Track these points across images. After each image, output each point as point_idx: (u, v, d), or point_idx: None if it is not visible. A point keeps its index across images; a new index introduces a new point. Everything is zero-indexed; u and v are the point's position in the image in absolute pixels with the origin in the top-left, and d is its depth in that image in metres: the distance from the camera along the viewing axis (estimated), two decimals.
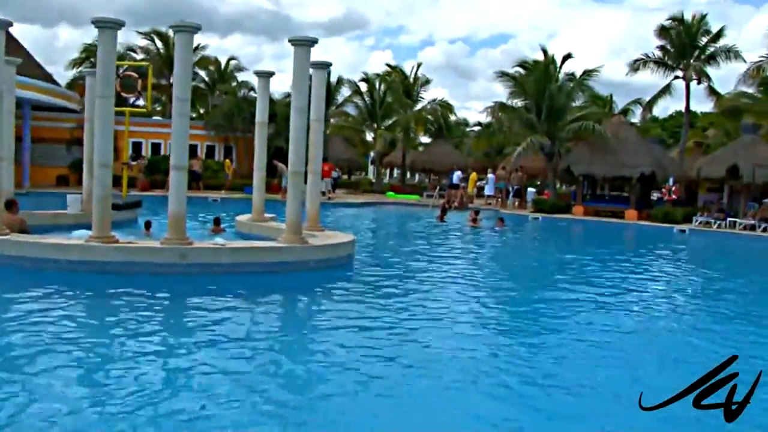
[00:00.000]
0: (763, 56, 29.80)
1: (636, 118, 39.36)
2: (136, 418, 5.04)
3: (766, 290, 14.41)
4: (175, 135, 11.53)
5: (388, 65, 43.22)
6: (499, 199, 34.35)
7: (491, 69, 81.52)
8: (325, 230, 14.68)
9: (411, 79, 42.35)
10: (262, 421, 5.26)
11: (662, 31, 34.10)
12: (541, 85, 31.29)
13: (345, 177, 43.24)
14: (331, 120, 42.25)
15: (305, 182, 13.84)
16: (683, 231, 25.93)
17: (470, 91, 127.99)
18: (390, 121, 40.38)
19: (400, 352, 7.32)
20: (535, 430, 5.52)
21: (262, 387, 5.95)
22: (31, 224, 13.02)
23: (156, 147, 35.59)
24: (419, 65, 43.43)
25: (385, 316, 9.02)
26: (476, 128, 40.71)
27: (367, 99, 40.25)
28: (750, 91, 31.95)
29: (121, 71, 19.22)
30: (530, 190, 34.97)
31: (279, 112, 27.85)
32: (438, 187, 34.98)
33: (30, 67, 28.35)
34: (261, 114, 16.72)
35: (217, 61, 41.71)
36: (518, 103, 33.05)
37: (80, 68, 36.29)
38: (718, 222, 27.01)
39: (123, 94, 18.97)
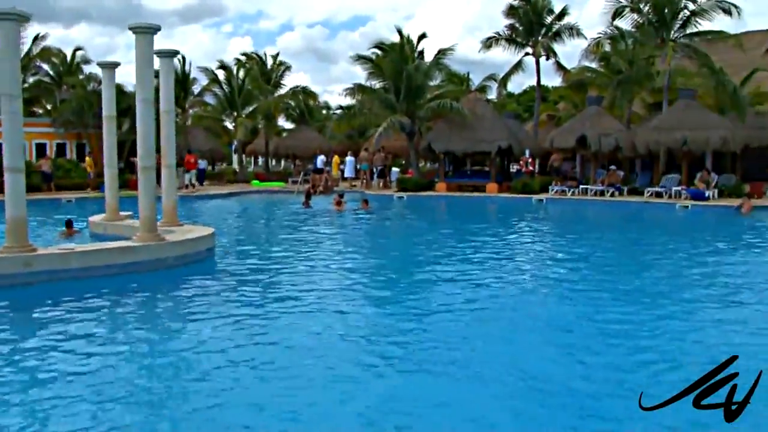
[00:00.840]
0: (600, 33, 31.59)
1: (492, 94, 40.60)
2: None
3: (618, 248, 15.26)
4: (7, 135, 10.62)
5: (245, 54, 42.12)
6: (364, 181, 34.53)
7: (351, 52, 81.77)
8: (184, 225, 14.16)
9: (270, 65, 41.66)
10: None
11: (511, 10, 35.29)
12: (398, 65, 31.60)
13: (209, 168, 41.99)
14: (190, 110, 40.99)
15: (159, 176, 13.26)
16: (541, 200, 27.06)
17: (332, 74, 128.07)
18: (250, 109, 39.54)
19: (265, 345, 7.12)
20: (405, 406, 5.54)
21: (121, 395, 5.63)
22: None
23: None
24: (278, 54, 42.65)
25: (249, 309, 8.72)
26: (338, 111, 40.62)
27: (225, 87, 39.20)
28: (592, 65, 33.70)
29: None
30: (394, 170, 35.37)
31: (134, 105, 26.49)
32: (302, 173, 34.69)
33: None
34: (108, 107, 15.81)
35: (61, 53, 39.23)
36: (377, 84, 33.26)
37: None
38: (572, 190, 28.39)
39: None
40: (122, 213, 15.89)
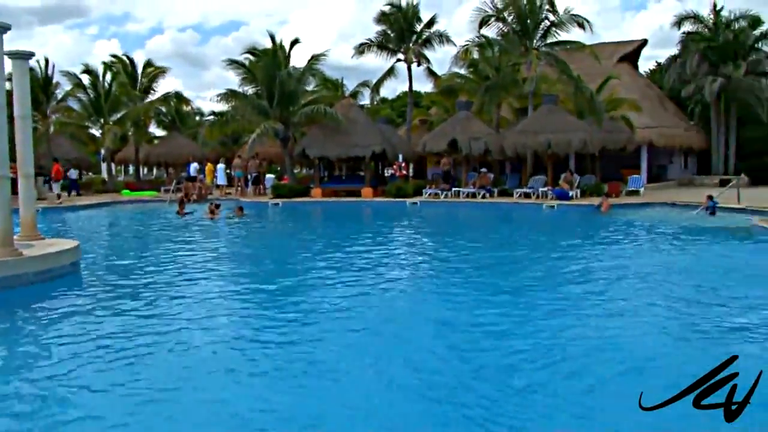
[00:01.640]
0: (468, 40, 32.64)
1: (366, 100, 41.06)
2: None
3: (489, 247, 15.78)
4: None
5: (114, 56, 40.42)
6: (239, 188, 34.03)
7: (224, 57, 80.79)
8: (45, 238, 13.41)
9: (141, 70, 40.18)
10: None
11: (382, 17, 35.77)
12: (271, 71, 31.36)
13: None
14: (52, 116, 38.95)
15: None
16: (415, 203, 27.61)
17: (204, 79, 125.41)
18: (119, 115, 38.06)
19: (138, 362, 6.74)
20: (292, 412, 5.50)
21: None
22: None
23: None
24: (148, 62, 40.98)
25: (117, 326, 8.20)
26: (211, 118, 39.79)
27: (91, 92, 37.54)
28: (462, 72, 34.73)
29: None
30: (269, 176, 35.08)
31: None
32: (175, 181, 33.74)
33: None
34: None
35: None
36: (250, 90, 32.88)
37: None
38: (445, 193, 29.15)
39: None
40: None
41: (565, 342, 7.21)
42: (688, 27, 38.94)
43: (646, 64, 69.75)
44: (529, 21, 30.42)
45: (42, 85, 36.91)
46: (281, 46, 32.71)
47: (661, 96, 40.46)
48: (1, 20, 11.19)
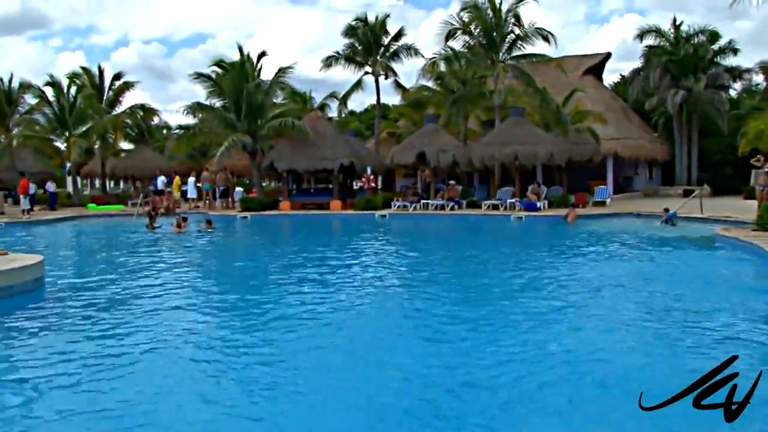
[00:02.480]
0: (435, 53, 32.86)
1: (334, 112, 41.07)
2: None
3: (459, 258, 15.87)
4: None
5: (83, 68, 39.82)
6: (207, 201, 33.81)
7: (191, 70, 79.70)
8: (8, 253, 13.19)
9: (106, 83, 39.69)
10: None
11: (349, 31, 35.91)
12: (238, 83, 31.30)
13: (41, 191, 39.22)
14: (14, 129, 38.37)
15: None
16: (384, 216, 27.64)
17: (170, 92, 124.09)
18: (84, 128, 37.57)
19: (97, 385, 6.52)
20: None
21: None
22: None
23: None
24: (117, 74, 40.40)
25: (81, 344, 8.02)
26: (178, 131, 39.48)
27: (55, 105, 37.05)
28: (429, 84, 34.95)
29: None
30: (238, 189, 34.90)
31: None
32: (142, 195, 33.40)
33: None
34: None
35: None
36: (217, 103, 32.76)
37: None
38: (414, 205, 29.25)
39: None
40: None
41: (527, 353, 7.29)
42: (650, 40, 39.87)
43: (610, 77, 71.06)
44: (495, 34, 30.71)
45: (5, 98, 36.44)
46: (249, 59, 32.62)
47: (625, 108, 41.14)
48: None
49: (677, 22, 39.41)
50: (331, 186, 32.89)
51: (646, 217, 23.52)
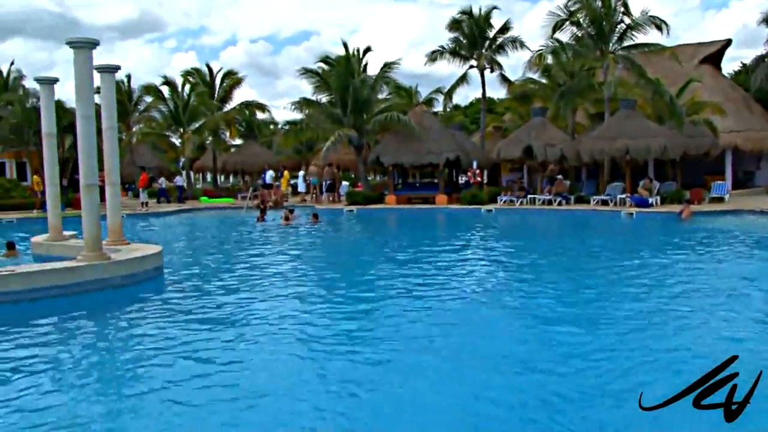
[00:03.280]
0: (542, 45, 32.12)
1: (439, 107, 40.99)
2: None
3: (572, 255, 15.49)
4: None
5: (195, 69, 41.41)
6: (314, 195, 34.46)
7: (296, 66, 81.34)
8: (131, 243, 13.89)
9: (217, 81, 41.11)
10: None
11: (454, 24, 35.69)
12: (344, 79, 31.70)
13: (170, 184, 41.13)
14: (134, 127, 40.37)
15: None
16: (490, 210, 27.36)
17: (277, 89, 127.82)
18: (197, 124, 39.11)
19: (217, 366, 6.86)
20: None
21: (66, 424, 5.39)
22: None
23: None
24: (228, 72, 41.76)
25: (198, 329, 8.43)
26: (286, 126, 40.41)
27: (170, 103, 38.71)
28: (535, 77, 34.26)
29: None
30: (344, 183, 35.36)
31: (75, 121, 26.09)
32: (251, 188, 34.44)
33: None
34: (48, 125, 15.33)
35: None
36: (323, 98, 33.30)
37: None
38: (520, 200, 28.81)
39: None
40: (66, 233, 15.50)
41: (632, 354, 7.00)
42: None
43: (729, 66, 67.58)
44: (604, 24, 29.73)
45: (125, 97, 38.37)
46: (354, 55, 32.99)
47: (747, 98, 38.87)
48: (87, 36, 11.65)
49: None
50: (436, 180, 32.85)
51: None
